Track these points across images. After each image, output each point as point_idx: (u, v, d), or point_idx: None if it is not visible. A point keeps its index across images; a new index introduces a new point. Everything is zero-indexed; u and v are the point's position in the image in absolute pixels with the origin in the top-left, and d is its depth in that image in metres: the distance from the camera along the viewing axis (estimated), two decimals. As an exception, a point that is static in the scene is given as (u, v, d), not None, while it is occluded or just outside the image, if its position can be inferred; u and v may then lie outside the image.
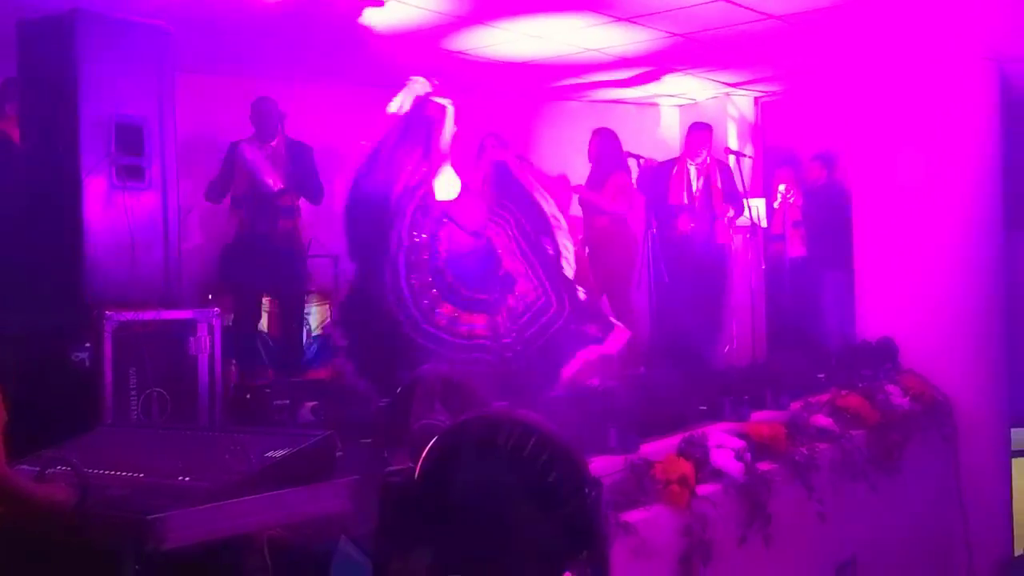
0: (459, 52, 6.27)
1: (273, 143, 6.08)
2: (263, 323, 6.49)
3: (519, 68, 6.73)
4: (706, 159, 7.19)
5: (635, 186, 7.35)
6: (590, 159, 7.18)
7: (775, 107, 8.49)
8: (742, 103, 8.29)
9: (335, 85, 7.04)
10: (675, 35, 5.97)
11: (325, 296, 6.95)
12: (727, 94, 8.12)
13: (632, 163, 7.19)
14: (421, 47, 6.11)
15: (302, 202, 6.19)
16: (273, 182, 5.97)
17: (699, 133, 7.20)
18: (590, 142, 7.17)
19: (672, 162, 7.38)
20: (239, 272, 6.03)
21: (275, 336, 6.54)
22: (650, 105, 8.51)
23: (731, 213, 7.27)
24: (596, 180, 7.10)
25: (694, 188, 7.19)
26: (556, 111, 8.03)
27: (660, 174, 7.31)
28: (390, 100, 5.55)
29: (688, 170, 7.21)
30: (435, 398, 2.85)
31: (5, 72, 4.76)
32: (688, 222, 7.07)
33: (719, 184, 7.21)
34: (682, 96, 8.22)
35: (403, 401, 2.91)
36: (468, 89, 7.32)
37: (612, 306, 7.42)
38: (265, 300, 6.41)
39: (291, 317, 6.35)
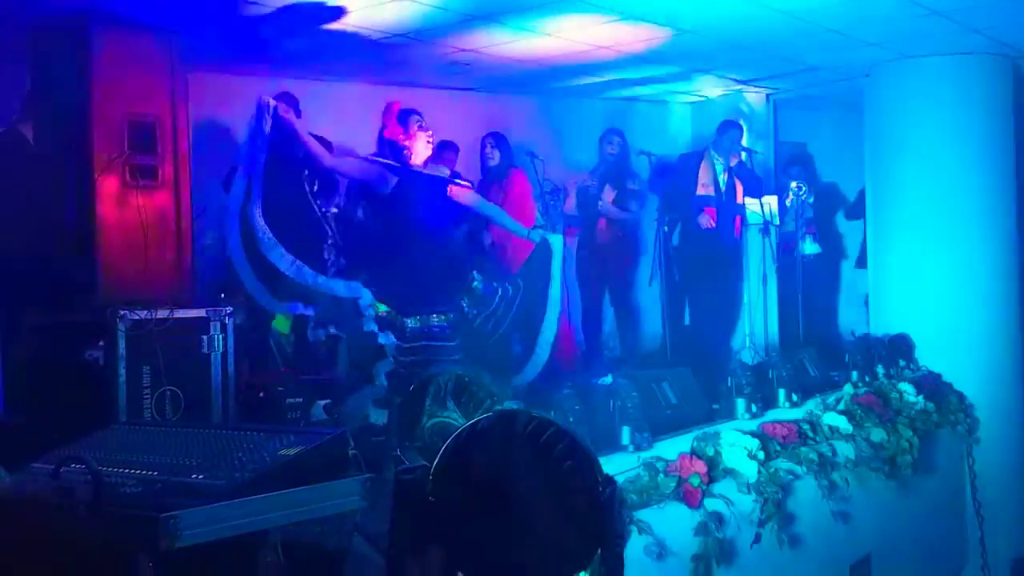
0: (470, 50, 6.26)
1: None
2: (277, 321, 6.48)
3: (530, 65, 6.72)
4: (734, 156, 7.27)
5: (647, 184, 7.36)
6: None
7: (788, 104, 8.46)
8: (754, 99, 8.25)
9: (348, 83, 7.04)
10: (686, 31, 5.95)
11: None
12: (739, 90, 8.10)
13: (644, 160, 7.21)
14: (432, 45, 6.10)
15: None
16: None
17: (732, 131, 7.26)
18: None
19: (698, 155, 7.38)
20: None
21: (286, 334, 6.53)
22: (661, 102, 8.49)
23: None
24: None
25: (721, 184, 7.21)
26: (567, 108, 8.01)
27: (686, 167, 7.31)
28: (402, 98, 5.55)
29: (714, 165, 7.24)
30: (448, 396, 2.85)
31: (12, 74, 4.78)
32: (713, 216, 7.11)
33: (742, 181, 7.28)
34: (693, 93, 8.20)
35: (416, 399, 2.90)
36: (479, 87, 7.34)
37: (613, 305, 7.44)
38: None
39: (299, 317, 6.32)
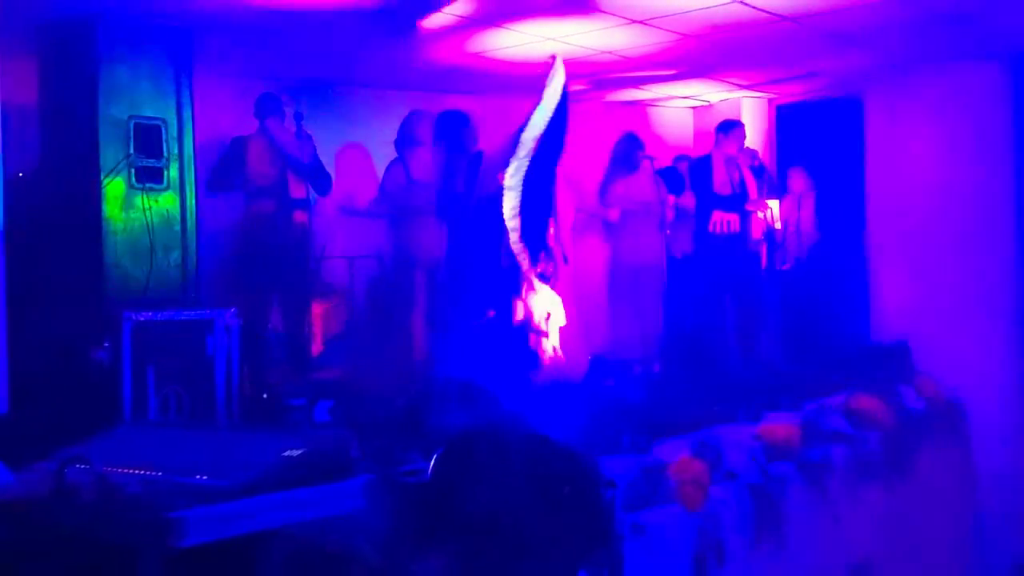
0: (474, 54, 6.29)
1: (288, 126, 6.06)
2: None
3: (534, 69, 6.74)
4: (740, 155, 7.22)
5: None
6: None
7: (789, 109, 8.48)
8: (756, 105, 8.27)
9: (356, 87, 7.08)
10: (689, 37, 5.97)
11: (339, 297, 6.96)
12: (741, 95, 8.12)
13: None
14: (438, 49, 6.13)
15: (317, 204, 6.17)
16: (303, 156, 5.89)
17: (734, 129, 7.22)
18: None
19: (707, 157, 7.35)
20: (247, 274, 5.95)
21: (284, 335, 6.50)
22: (663, 107, 8.51)
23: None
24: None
25: (736, 185, 7.16)
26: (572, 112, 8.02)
27: (699, 167, 7.26)
28: (407, 102, 5.57)
29: (725, 165, 7.20)
30: (451, 399, 2.88)
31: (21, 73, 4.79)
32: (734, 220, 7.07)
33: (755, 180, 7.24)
34: (695, 98, 8.22)
35: (419, 401, 2.93)
36: (485, 90, 7.36)
37: None
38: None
39: (295, 319, 6.26)
